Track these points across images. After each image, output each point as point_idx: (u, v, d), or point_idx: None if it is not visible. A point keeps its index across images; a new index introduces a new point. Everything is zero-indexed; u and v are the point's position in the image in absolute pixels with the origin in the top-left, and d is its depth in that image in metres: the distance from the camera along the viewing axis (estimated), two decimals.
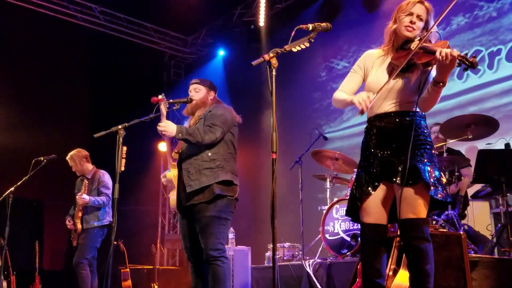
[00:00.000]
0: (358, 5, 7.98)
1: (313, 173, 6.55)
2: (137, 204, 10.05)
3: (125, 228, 8.02)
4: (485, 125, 4.94)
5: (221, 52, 10.71)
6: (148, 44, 10.69)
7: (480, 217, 5.64)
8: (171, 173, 3.78)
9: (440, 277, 3.54)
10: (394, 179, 2.72)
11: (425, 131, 2.81)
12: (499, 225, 4.67)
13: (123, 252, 7.33)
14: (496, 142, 5.28)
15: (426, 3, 2.89)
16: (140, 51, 10.61)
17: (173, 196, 3.79)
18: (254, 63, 2.61)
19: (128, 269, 7.22)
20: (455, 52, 2.51)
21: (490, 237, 5.00)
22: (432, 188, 2.67)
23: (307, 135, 7.01)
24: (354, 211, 2.92)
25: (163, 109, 3.68)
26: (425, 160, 2.72)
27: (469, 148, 5.95)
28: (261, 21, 9.14)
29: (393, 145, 2.77)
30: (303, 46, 2.74)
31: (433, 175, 2.71)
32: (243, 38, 10.07)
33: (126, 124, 3.67)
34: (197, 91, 3.98)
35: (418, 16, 2.84)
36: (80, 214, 5.63)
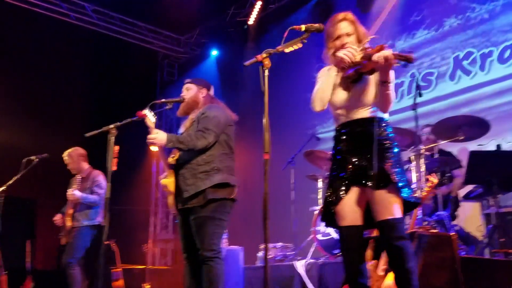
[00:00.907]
0: (351, 5, 7.98)
1: (305, 173, 6.56)
2: (128, 203, 10.01)
3: (116, 228, 7.97)
4: (476, 126, 4.98)
5: (214, 52, 10.71)
6: (141, 43, 10.66)
7: (471, 218, 5.68)
8: (167, 179, 3.78)
9: (432, 277, 3.56)
10: (367, 183, 2.79)
11: (390, 135, 2.90)
12: (490, 226, 4.70)
13: (114, 252, 7.30)
14: (488, 144, 5.32)
15: (347, 16, 2.96)
16: (133, 50, 10.58)
17: (171, 200, 3.80)
18: (246, 63, 2.63)
19: (119, 269, 7.19)
20: (387, 52, 2.57)
21: (481, 238, 5.03)
22: (402, 189, 2.76)
23: (300, 136, 7.03)
24: (328, 216, 2.98)
25: (149, 122, 3.69)
26: (393, 163, 2.80)
27: (460, 150, 5.98)
28: (251, 20, 9.16)
29: (362, 150, 2.85)
30: (296, 47, 2.75)
31: (402, 176, 2.80)
32: (236, 38, 10.06)
33: (118, 123, 3.66)
34: (188, 90, 3.98)
35: (346, 34, 2.92)
36: (71, 212, 5.60)
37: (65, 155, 5.83)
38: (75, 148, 5.89)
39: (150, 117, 3.67)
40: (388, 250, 2.79)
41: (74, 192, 5.49)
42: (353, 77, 2.83)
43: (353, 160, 2.86)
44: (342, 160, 2.92)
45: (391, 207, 2.74)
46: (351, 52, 2.75)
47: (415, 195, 2.86)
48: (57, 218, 5.71)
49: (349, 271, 2.85)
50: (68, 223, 5.59)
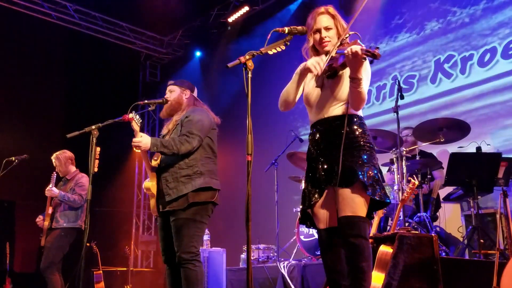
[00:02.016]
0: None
1: (288, 175, 6.57)
2: (111, 205, 9.93)
3: (98, 230, 7.93)
4: (457, 129, 5.04)
5: (198, 53, 10.68)
6: (124, 43, 10.59)
7: (451, 219, 5.74)
8: (149, 182, 3.76)
9: (412, 278, 3.59)
10: (333, 182, 2.77)
11: (363, 133, 2.84)
12: (470, 227, 4.75)
13: (96, 253, 7.23)
14: (468, 146, 5.38)
15: (329, 9, 2.96)
16: (116, 50, 10.50)
17: (152, 202, 3.78)
18: (229, 65, 2.61)
19: (101, 271, 7.13)
20: (356, 47, 2.56)
21: (461, 239, 5.08)
22: (369, 188, 2.72)
23: (283, 137, 7.03)
24: (307, 218, 2.98)
25: (135, 126, 3.66)
26: (362, 161, 2.77)
27: (441, 152, 6.04)
28: (232, 19, 9.19)
29: (331, 149, 2.82)
30: (279, 49, 2.75)
31: (371, 175, 2.75)
32: (219, 39, 10.05)
33: (100, 124, 3.63)
34: (171, 92, 3.97)
35: (326, 28, 2.91)
36: (50, 212, 5.51)
37: (53, 157, 5.78)
38: (63, 151, 5.83)
39: (136, 120, 3.64)
40: (344, 247, 2.76)
41: (52, 189, 5.41)
42: (327, 72, 2.80)
43: (324, 160, 2.84)
44: (314, 160, 2.90)
45: (353, 204, 2.71)
46: (319, 64, 2.72)
47: (383, 194, 2.76)
48: (39, 219, 5.63)
49: (331, 275, 2.84)
50: (45, 223, 5.50)
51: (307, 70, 2.82)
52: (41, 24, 9.47)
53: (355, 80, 2.67)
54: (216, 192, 3.80)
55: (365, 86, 2.76)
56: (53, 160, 5.78)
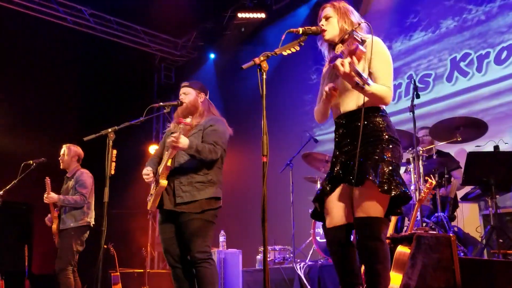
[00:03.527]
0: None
1: (303, 175, 6.56)
2: (127, 207, 10.00)
3: (115, 232, 7.98)
4: (474, 127, 4.99)
5: (212, 55, 10.71)
6: (138, 46, 10.67)
7: (469, 219, 5.68)
8: (165, 182, 3.75)
9: (430, 279, 3.56)
10: (348, 179, 2.71)
11: (383, 126, 2.75)
12: (489, 226, 4.70)
13: (113, 255, 7.29)
14: (485, 145, 5.32)
15: (334, 2, 2.93)
16: (130, 53, 10.58)
17: (157, 200, 3.78)
18: (244, 66, 2.60)
19: (118, 273, 7.18)
20: (342, 68, 2.50)
21: (479, 239, 5.03)
22: (384, 185, 2.60)
23: (298, 138, 7.02)
24: (318, 214, 2.92)
25: (185, 129, 3.67)
26: (379, 157, 2.66)
27: (458, 151, 5.99)
28: (241, 16, 9.19)
29: (349, 144, 2.77)
30: (293, 50, 2.73)
31: (386, 171, 2.63)
32: (233, 40, 10.07)
33: (116, 127, 3.65)
34: (186, 94, 3.98)
35: (325, 17, 2.89)
36: (56, 214, 5.53)
37: (65, 146, 5.77)
38: (76, 145, 5.84)
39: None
40: (360, 248, 2.68)
41: (50, 196, 5.42)
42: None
43: (342, 156, 2.80)
44: (335, 157, 2.85)
45: (366, 204, 2.62)
46: (345, 66, 2.53)
47: (400, 189, 2.62)
48: (48, 219, 5.63)
49: (341, 273, 2.77)
50: (55, 226, 5.52)
51: (323, 97, 2.81)
52: (57, 29, 9.58)
53: (356, 89, 2.59)
54: (221, 200, 3.89)
55: (385, 78, 2.70)
56: (63, 149, 5.75)
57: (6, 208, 5.62)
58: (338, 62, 2.50)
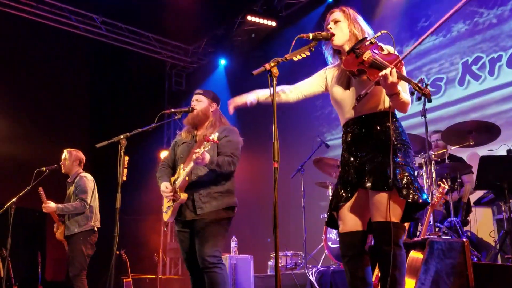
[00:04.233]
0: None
1: (315, 181, 6.55)
2: (139, 213, 10.03)
3: (127, 237, 8.01)
4: (486, 131, 4.95)
5: (223, 61, 10.75)
6: (150, 53, 10.74)
7: (483, 223, 5.63)
8: (186, 196, 3.80)
9: (443, 285, 3.53)
10: (364, 185, 2.68)
11: (396, 131, 2.74)
12: (502, 231, 4.65)
13: (125, 261, 7.31)
14: (498, 149, 5.28)
15: (343, 8, 2.92)
16: (142, 60, 10.66)
17: (174, 213, 3.84)
18: (254, 72, 2.61)
19: (130, 279, 7.21)
20: (391, 78, 2.47)
21: (493, 244, 4.98)
22: (403, 191, 2.61)
23: (309, 143, 7.01)
24: (333, 221, 2.90)
25: (208, 145, 3.65)
26: (395, 162, 2.65)
27: (471, 155, 5.94)
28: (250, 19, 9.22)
29: (363, 150, 2.75)
30: (303, 55, 2.74)
31: (403, 176, 2.64)
32: (244, 47, 10.10)
33: (128, 134, 3.67)
34: (199, 102, 3.99)
35: (334, 21, 2.88)
36: (60, 222, 5.56)
37: (66, 151, 5.79)
38: (77, 150, 5.87)
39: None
40: (377, 253, 2.67)
41: (48, 205, 5.44)
42: (356, 72, 2.70)
43: (355, 161, 2.77)
44: (346, 163, 2.83)
45: (385, 209, 2.60)
46: (393, 75, 2.49)
47: (418, 195, 2.63)
48: (55, 229, 5.67)
49: (352, 281, 2.74)
50: (57, 234, 5.54)
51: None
52: (69, 37, 9.68)
53: (393, 96, 2.58)
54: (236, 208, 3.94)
55: (404, 86, 2.65)
56: (64, 153, 5.76)
57: (19, 214, 5.65)
58: (387, 71, 2.48)
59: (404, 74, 2.70)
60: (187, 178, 3.79)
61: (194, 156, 3.62)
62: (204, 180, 3.82)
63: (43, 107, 9.60)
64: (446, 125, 5.42)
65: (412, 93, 2.49)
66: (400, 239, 2.66)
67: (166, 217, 3.91)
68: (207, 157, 3.66)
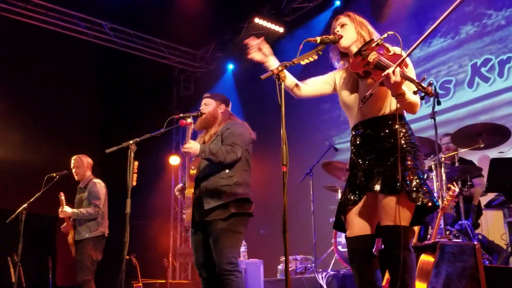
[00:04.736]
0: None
1: (324, 184, 6.54)
2: (148, 218, 10.07)
3: (137, 242, 8.03)
4: (496, 133, 4.92)
5: (230, 66, 10.78)
6: (158, 59, 10.79)
7: (494, 226, 5.59)
8: (190, 191, 3.79)
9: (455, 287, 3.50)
10: (373, 188, 2.66)
11: (405, 133, 2.72)
12: None
13: (135, 266, 7.33)
14: (509, 151, 5.25)
15: (349, 13, 2.94)
16: (150, 66, 10.71)
17: (190, 211, 3.80)
18: (262, 76, 2.60)
19: (140, 283, 7.22)
20: (394, 78, 2.46)
21: (504, 247, 4.94)
22: (412, 194, 2.59)
23: (318, 147, 7.01)
24: (341, 224, 2.87)
25: (189, 131, 3.72)
26: (404, 165, 2.63)
27: (481, 157, 5.90)
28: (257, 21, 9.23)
29: (372, 153, 2.73)
30: (311, 59, 2.73)
31: (412, 179, 2.62)
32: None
33: (138, 139, 3.69)
34: (207, 105, 4.00)
35: (340, 25, 2.89)
36: (71, 225, 5.59)
37: (74, 158, 5.84)
38: (83, 155, 5.91)
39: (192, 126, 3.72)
40: (386, 257, 2.65)
41: (64, 210, 5.48)
42: (362, 74, 2.70)
43: (364, 164, 2.75)
44: (355, 166, 2.81)
45: (394, 213, 2.58)
46: (396, 75, 2.48)
47: (428, 198, 2.60)
48: (63, 226, 5.69)
49: (360, 284, 2.71)
50: (70, 237, 5.58)
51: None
52: (79, 43, 9.76)
53: (398, 97, 2.57)
54: (252, 204, 3.83)
55: (410, 90, 2.61)
56: (72, 162, 5.81)
57: (30, 220, 5.69)
58: (390, 70, 2.48)
59: (414, 75, 2.71)
60: (191, 172, 3.77)
61: (181, 148, 3.63)
62: (208, 173, 3.77)
63: (53, 113, 9.67)
64: (456, 127, 5.40)
65: (415, 92, 2.46)
66: (410, 243, 2.65)
67: (186, 218, 3.91)
68: (194, 146, 3.64)
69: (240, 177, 3.79)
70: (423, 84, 2.42)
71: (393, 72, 2.47)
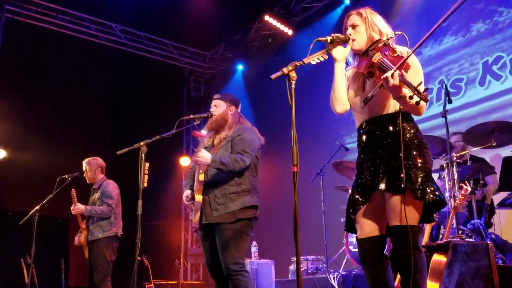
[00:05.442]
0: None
1: (335, 184, 6.52)
2: (160, 219, 10.10)
3: (148, 243, 8.07)
4: (509, 131, 4.88)
5: (240, 67, 10.79)
6: (168, 60, 10.84)
7: (507, 225, 5.55)
8: (199, 195, 3.81)
9: (468, 287, 3.48)
10: (378, 187, 2.64)
11: (410, 131, 2.70)
12: None
13: (147, 267, 7.36)
14: None
15: (359, 10, 2.89)
16: (160, 67, 10.76)
17: (198, 215, 3.82)
18: (273, 76, 2.59)
19: (152, 285, 7.25)
20: (392, 81, 2.45)
21: None
22: (417, 192, 2.56)
23: (328, 147, 6.99)
24: (352, 226, 2.85)
25: (202, 141, 3.75)
26: (409, 163, 2.62)
27: (493, 156, 5.86)
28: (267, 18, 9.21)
29: (377, 151, 2.72)
30: (321, 59, 2.72)
31: (418, 177, 2.60)
32: (261, 51, 10.13)
33: (148, 140, 3.70)
34: (217, 107, 4.00)
35: (352, 26, 2.85)
36: (84, 226, 5.62)
37: (84, 162, 5.87)
38: (94, 157, 5.92)
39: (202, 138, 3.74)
40: (396, 257, 2.62)
41: (77, 207, 5.49)
42: (367, 75, 2.70)
43: (370, 163, 2.73)
44: (361, 165, 2.80)
45: (401, 212, 2.55)
46: (394, 78, 2.48)
47: (435, 195, 2.58)
48: (77, 238, 5.72)
49: (372, 285, 2.70)
50: (81, 238, 5.60)
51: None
52: (89, 45, 9.82)
53: (399, 99, 2.56)
54: (258, 209, 3.86)
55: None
56: (84, 165, 5.83)
57: (43, 222, 5.73)
58: (389, 74, 2.47)
59: (420, 76, 2.70)
60: (201, 178, 3.78)
61: (193, 157, 3.65)
62: (217, 180, 3.79)
63: (65, 115, 9.75)
64: (467, 126, 5.36)
65: (410, 97, 2.43)
66: (419, 242, 2.62)
67: (193, 220, 3.93)
68: (206, 155, 3.64)
69: (248, 183, 3.82)
70: (419, 89, 2.40)
71: (392, 75, 2.47)
